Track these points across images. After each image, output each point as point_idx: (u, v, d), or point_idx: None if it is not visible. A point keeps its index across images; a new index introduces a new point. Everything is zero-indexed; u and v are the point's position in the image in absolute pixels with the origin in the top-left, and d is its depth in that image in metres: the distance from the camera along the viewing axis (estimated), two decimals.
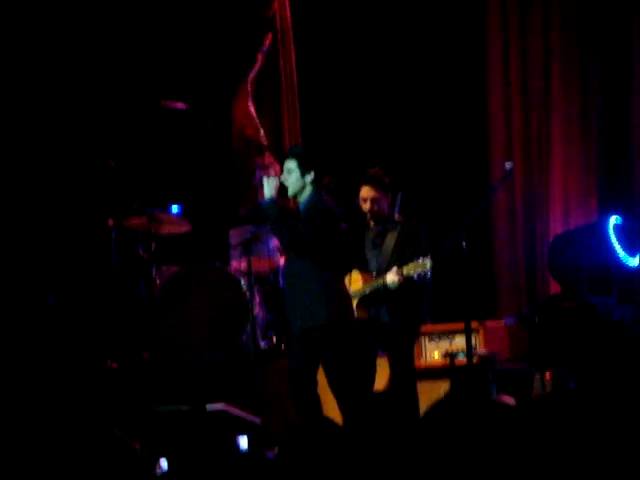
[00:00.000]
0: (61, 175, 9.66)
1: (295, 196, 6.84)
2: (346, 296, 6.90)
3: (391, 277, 7.12)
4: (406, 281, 7.11)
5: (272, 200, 6.76)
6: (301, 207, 6.81)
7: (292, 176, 6.79)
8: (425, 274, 7.04)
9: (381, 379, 7.44)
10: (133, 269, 9.01)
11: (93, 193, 9.49)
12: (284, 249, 6.81)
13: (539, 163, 10.22)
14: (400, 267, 7.12)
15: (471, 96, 10.38)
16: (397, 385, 7.24)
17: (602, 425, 2.88)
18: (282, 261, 8.19)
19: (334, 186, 7.12)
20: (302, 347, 6.80)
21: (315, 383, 6.87)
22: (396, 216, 7.55)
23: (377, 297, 7.20)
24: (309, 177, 6.76)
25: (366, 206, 7.35)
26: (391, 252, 7.32)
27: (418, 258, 7.08)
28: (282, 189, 6.80)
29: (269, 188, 6.78)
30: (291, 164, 6.80)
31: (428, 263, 7.01)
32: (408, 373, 7.34)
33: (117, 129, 9.78)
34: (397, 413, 3.91)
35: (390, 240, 7.37)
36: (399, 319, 7.27)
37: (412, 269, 7.09)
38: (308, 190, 6.79)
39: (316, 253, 6.72)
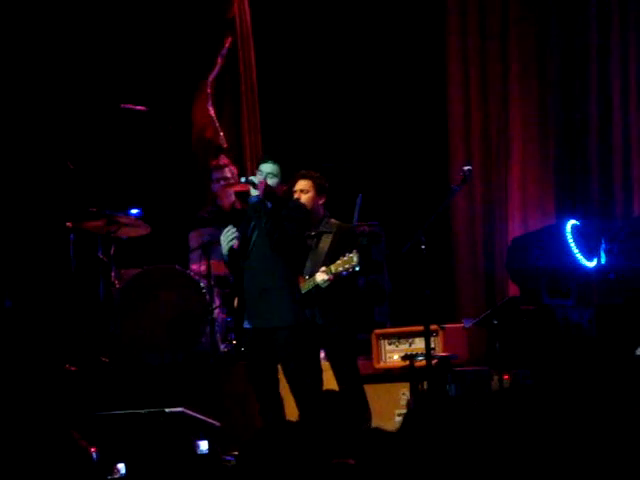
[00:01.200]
0: (18, 177, 9.58)
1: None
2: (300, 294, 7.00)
3: (321, 276, 7.19)
4: (336, 279, 7.16)
5: (259, 199, 6.83)
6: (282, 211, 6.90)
7: (272, 181, 6.87)
8: (353, 268, 7.09)
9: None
10: (92, 272, 8.96)
11: (51, 195, 9.43)
12: (272, 246, 6.81)
13: (498, 166, 10.27)
14: (328, 266, 7.16)
15: (431, 99, 10.42)
16: (343, 386, 7.30)
17: (558, 421, 2.90)
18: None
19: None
20: (262, 344, 6.84)
21: (277, 381, 6.90)
22: (332, 220, 7.61)
23: (310, 299, 7.23)
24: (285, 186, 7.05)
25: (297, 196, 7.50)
26: (325, 255, 7.38)
27: (344, 255, 7.14)
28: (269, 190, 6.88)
29: (255, 190, 6.84)
30: (274, 169, 6.88)
31: (355, 257, 7.08)
32: (351, 373, 7.41)
33: (76, 131, 9.72)
34: (348, 413, 3.93)
35: (324, 243, 7.46)
36: (333, 320, 7.35)
37: (340, 266, 7.16)
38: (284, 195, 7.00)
39: (293, 252, 6.82)
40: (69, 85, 9.83)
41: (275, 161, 6.93)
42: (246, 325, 6.95)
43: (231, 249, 6.93)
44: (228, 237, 6.91)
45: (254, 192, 6.90)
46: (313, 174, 7.60)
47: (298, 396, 6.85)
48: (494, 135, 10.30)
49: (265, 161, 6.98)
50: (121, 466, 6.17)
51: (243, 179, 7.13)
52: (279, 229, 6.77)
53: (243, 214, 7.24)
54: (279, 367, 6.98)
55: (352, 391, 7.36)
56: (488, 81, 10.31)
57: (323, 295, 7.25)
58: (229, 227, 6.98)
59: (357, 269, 7.12)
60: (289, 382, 6.90)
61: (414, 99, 10.41)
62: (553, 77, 10.10)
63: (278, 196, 6.91)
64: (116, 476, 6.17)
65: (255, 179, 6.91)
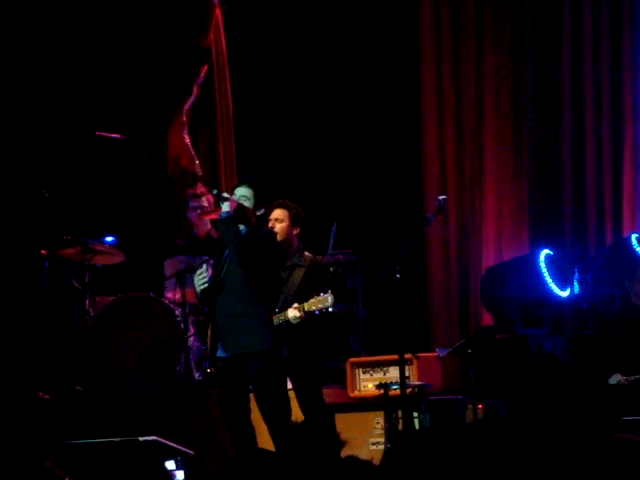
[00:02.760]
0: None
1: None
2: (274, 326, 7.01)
3: (292, 313, 7.21)
4: (308, 317, 7.18)
5: (229, 216, 6.84)
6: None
7: (246, 204, 6.90)
8: (327, 309, 7.12)
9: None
10: (66, 300, 8.93)
11: (26, 223, 9.41)
12: (239, 263, 6.81)
13: (472, 196, 10.33)
14: (301, 303, 7.18)
15: (406, 130, 10.48)
16: (308, 416, 7.29)
17: (531, 450, 2.92)
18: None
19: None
20: (234, 373, 6.84)
21: (248, 410, 6.90)
22: (306, 253, 7.61)
23: (279, 332, 7.21)
24: (259, 212, 6.97)
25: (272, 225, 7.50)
26: (296, 289, 7.38)
27: (319, 294, 7.16)
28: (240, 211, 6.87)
29: (227, 205, 6.85)
30: (247, 192, 6.91)
31: (329, 298, 7.13)
32: (316, 403, 7.42)
33: (51, 159, 9.72)
34: (318, 442, 3.94)
35: (296, 277, 7.46)
36: (299, 353, 7.35)
37: (314, 305, 7.18)
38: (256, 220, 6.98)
39: (260, 274, 6.81)
40: (44, 113, 9.82)
41: (250, 185, 6.96)
42: (219, 353, 6.95)
43: (204, 290, 6.95)
44: (200, 279, 6.94)
45: (225, 207, 6.89)
46: (289, 204, 7.61)
47: (271, 424, 6.84)
48: (468, 164, 10.36)
49: (240, 185, 7.00)
50: None
51: (215, 191, 7.13)
52: (245, 246, 6.76)
53: (219, 243, 7.25)
54: (250, 396, 6.98)
55: (318, 420, 7.35)
56: (462, 111, 10.38)
57: (292, 330, 7.26)
58: (201, 270, 7.00)
59: (330, 310, 7.14)
60: (261, 409, 6.89)
61: (389, 129, 10.47)
62: (527, 108, 10.19)
63: (247, 217, 6.91)
64: None
65: (226, 194, 6.92)
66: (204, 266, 7.08)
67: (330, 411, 8.00)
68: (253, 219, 6.95)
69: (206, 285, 6.92)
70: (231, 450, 7.28)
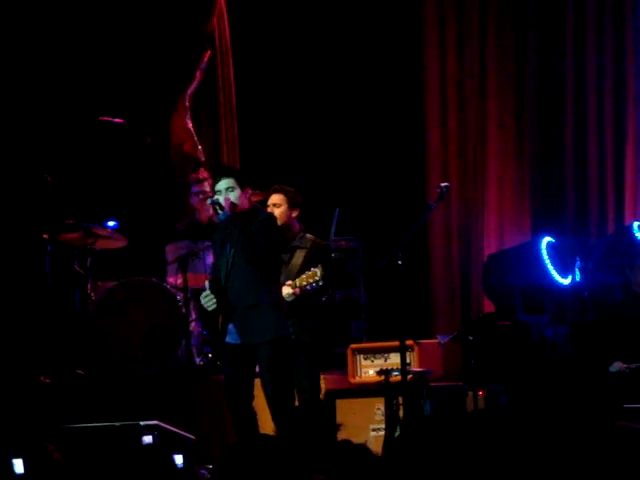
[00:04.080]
0: None
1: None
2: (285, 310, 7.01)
3: (285, 290, 7.22)
4: (303, 294, 7.20)
5: (228, 217, 6.85)
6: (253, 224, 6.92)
7: (233, 194, 6.87)
8: (317, 283, 7.12)
9: None
10: (68, 284, 8.94)
11: (29, 207, 9.41)
12: (247, 261, 6.83)
13: (474, 183, 10.33)
14: (293, 280, 7.20)
15: (409, 116, 10.47)
16: (306, 402, 7.31)
17: (532, 439, 2.93)
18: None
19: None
20: (242, 359, 6.87)
21: (252, 396, 6.93)
22: (307, 235, 7.63)
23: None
24: (249, 192, 7.00)
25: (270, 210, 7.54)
26: (297, 271, 7.40)
27: (309, 269, 7.19)
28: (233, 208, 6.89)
29: (219, 207, 6.86)
30: (230, 182, 6.91)
31: (318, 272, 7.14)
32: (313, 385, 7.45)
33: (54, 143, 9.71)
34: (318, 426, 3.95)
35: (297, 258, 7.49)
36: (305, 331, 7.39)
37: (304, 280, 7.20)
38: (251, 205, 6.99)
39: (270, 265, 6.85)
40: (47, 97, 9.82)
41: (228, 174, 7.00)
42: (229, 340, 6.96)
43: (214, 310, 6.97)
44: (208, 301, 6.94)
45: (219, 211, 6.91)
46: (285, 188, 7.64)
47: (275, 410, 6.86)
48: (471, 152, 10.36)
49: (219, 179, 7.01)
50: None
51: (209, 201, 7.15)
52: (252, 243, 6.79)
53: (217, 236, 7.27)
54: (255, 383, 7.00)
55: (317, 405, 7.38)
56: (465, 98, 10.38)
57: (291, 310, 7.27)
58: (206, 292, 6.97)
59: (321, 284, 7.15)
60: (266, 393, 6.92)
61: (392, 115, 10.46)
62: (530, 96, 10.18)
63: (245, 211, 6.93)
64: None
65: (220, 199, 6.92)
66: (207, 288, 7.05)
67: (329, 397, 8.04)
68: (247, 204, 6.94)
69: (215, 306, 6.93)
70: (232, 435, 7.30)
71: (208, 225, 9.26)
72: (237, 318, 6.92)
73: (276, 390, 6.87)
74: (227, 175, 7.00)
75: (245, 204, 6.95)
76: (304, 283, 7.22)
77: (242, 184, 6.95)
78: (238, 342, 6.92)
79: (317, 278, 7.15)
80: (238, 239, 6.83)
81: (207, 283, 7.12)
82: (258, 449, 3.27)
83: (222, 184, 6.93)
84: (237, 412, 6.97)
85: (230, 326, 6.96)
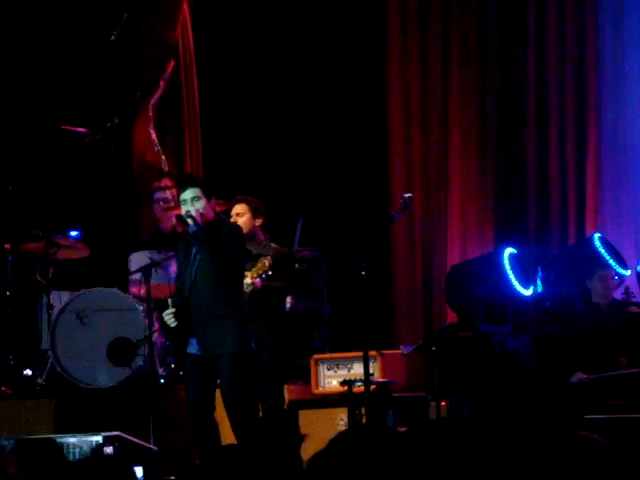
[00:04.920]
0: None
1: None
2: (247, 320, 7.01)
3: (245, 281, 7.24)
4: (261, 288, 7.25)
5: (199, 228, 6.84)
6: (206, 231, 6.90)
7: (200, 204, 6.86)
8: (266, 273, 7.15)
9: None
10: (30, 294, 8.88)
11: None
12: (218, 271, 6.82)
13: (437, 194, 10.38)
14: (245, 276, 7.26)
15: (372, 127, 10.51)
16: (269, 413, 7.31)
17: (493, 449, 2.95)
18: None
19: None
20: (203, 370, 6.84)
21: (213, 407, 6.91)
22: (272, 244, 7.68)
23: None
24: (214, 202, 6.99)
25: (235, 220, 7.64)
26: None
27: (257, 261, 7.24)
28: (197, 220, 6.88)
29: (191, 220, 6.84)
30: (196, 192, 6.89)
31: (267, 262, 7.20)
32: (276, 394, 7.48)
33: (15, 152, 9.66)
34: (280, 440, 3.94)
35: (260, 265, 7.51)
36: (263, 334, 7.42)
37: (255, 272, 7.23)
38: (216, 215, 6.98)
39: (233, 273, 6.84)
40: (9, 106, 9.76)
41: (193, 184, 6.99)
42: (191, 350, 6.94)
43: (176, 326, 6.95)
44: (169, 320, 6.91)
45: (191, 223, 6.89)
46: (248, 198, 7.72)
47: (235, 422, 6.84)
48: (434, 163, 10.41)
49: (183, 189, 6.98)
50: None
51: (183, 215, 7.12)
52: (222, 253, 6.79)
53: (183, 237, 7.25)
54: (216, 394, 6.99)
55: (280, 416, 7.37)
56: (428, 108, 10.42)
57: (255, 309, 7.28)
58: (169, 311, 6.94)
59: (270, 273, 7.17)
60: (226, 406, 6.90)
61: (355, 126, 10.49)
62: (492, 108, 10.25)
63: (211, 221, 6.91)
64: None
65: (192, 211, 6.89)
66: (170, 304, 7.03)
67: (292, 407, 8.03)
68: (212, 214, 6.94)
69: (176, 323, 6.90)
70: (194, 446, 7.27)
71: (171, 235, 9.23)
72: (199, 329, 6.90)
73: (236, 402, 6.84)
74: (192, 185, 6.97)
75: (210, 214, 6.94)
76: (255, 275, 7.24)
77: (207, 194, 6.94)
78: (200, 353, 6.90)
79: (265, 268, 7.18)
80: (209, 250, 6.80)
81: (170, 300, 7.08)
82: (220, 461, 3.26)
83: (187, 193, 6.91)
84: (198, 423, 6.93)
85: (192, 337, 6.94)
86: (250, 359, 6.90)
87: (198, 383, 6.90)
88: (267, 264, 7.20)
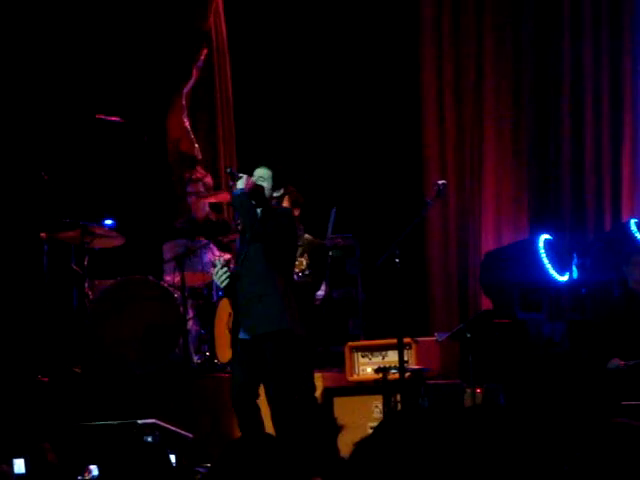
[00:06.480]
0: None
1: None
2: (296, 305, 6.94)
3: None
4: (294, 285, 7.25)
5: (243, 192, 6.79)
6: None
7: (264, 185, 6.86)
8: (302, 272, 7.11)
9: None
10: (65, 283, 8.93)
11: (25, 206, 9.41)
12: (252, 239, 6.80)
13: (472, 181, 10.34)
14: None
15: (406, 113, 10.48)
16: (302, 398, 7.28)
17: (529, 436, 2.93)
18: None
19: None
20: (250, 354, 6.81)
21: (256, 394, 6.88)
22: (306, 235, 7.64)
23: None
24: (277, 193, 6.92)
25: None
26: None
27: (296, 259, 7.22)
28: (256, 191, 6.84)
29: (243, 183, 6.82)
30: (265, 173, 6.87)
31: (304, 261, 7.16)
32: (308, 383, 7.47)
33: (51, 141, 9.71)
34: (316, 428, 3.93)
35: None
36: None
37: None
38: (272, 202, 6.92)
39: (279, 253, 6.80)
40: (44, 95, 9.81)
41: (268, 166, 6.91)
42: (240, 335, 6.91)
43: (226, 286, 6.93)
44: (220, 277, 6.89)
45: (239, 185, 6.86)
46: (289, 189, 7.62)
47: (273, 406, 6.81)
48: (468, 149, 10.37)
49: (258, 166, 6.98)
50: (93, 467, 6.17)
51: (228, 169, 7.13)
52: (257, 224, 6.73)
53: (217, 226, 7.25)
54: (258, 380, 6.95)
55: (309, 402, 7.37)
56: (463, 95, 10.38)
57: None
58: (217, 268, 6.95)
59: (307, 273, 7.14)
60: (266, 390, 6.86)
61: (390, 113, 10.46)
62: (527, 93, 10.19)
63: (262, 196, 6.86)
64: (87, 477, 6.17)
65: (243, 177, 6.87)
66: (218, 263, 7.02)
67: (327, 394, 8.03)
68: (268, 199, 6.89)
69: (228, 281, 6.88)
70: (230, 433, 7.29)
71: (204, 223, 9.26)
72: (243, 308, 6.87)
73: (276, 387, 6.78)
74: (267, 167, 6.91)
75: (266, 198, 6.86)
76: None
77: (277, 181, 6.88)
78: (247, 337, 6.87)
79: (302, 267, 7.15)
80: (245, 216, 6.78)
81: (218, 261, 7.08)
82: (256, 449, 3.25)
83: (258, 172, 6.89)
84: (240, 408, 6.88)
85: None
86: (289, 341, 6.81)
87: (244, 368, 6.83)
88: (304, 263, 7.17)
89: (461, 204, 10.32)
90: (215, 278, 6.97)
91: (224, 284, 6.89)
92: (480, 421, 2.90)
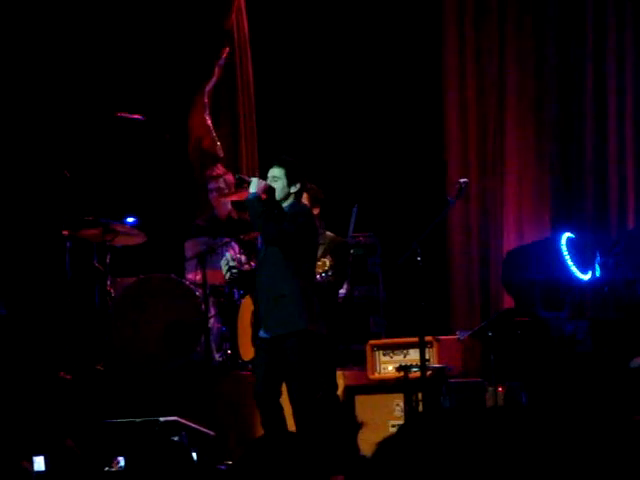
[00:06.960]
0: (15, 185, 9.60)
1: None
2: (317, 304, 6.92)
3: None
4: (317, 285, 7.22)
5: (256, 196, 6.78)
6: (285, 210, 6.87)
7: (277, 184, 6.83)
8: (326, 273, 7.09)
9: None
10: (87, 280, 8.96)
11: (48, 203, 9.44)
12: (266, 243, 6.80)
13: (493, 179, 10.31)
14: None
15: (428, 112, 10.46)
16: (323, 397, 7.27)
17: (552, 435, 2.92)
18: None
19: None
20: (271, 353, 6.82)
21: (279, 393, 6.88)
22: (327, 233, 7.61)
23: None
24: (294, 188, 6.85)
25: None
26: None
27: (319, 260, 7.19)
28: (270, 192, 6.83)
29: (255, 186, 6.81)
30: (278, 172, 6.85)
31: (327, 262, 7.11)
32: (330, 382, 7.46)
33: (73, 140, 9.74)
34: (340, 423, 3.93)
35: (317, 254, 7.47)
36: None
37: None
38: (291, 199, 6.86)
39: (297, 253, 6.77)
40: (66, 93, 9.84)
41: (280, 164, 6.89)
42: (261, 334, 6.92)
43: (231, 279, 6.94)
44: (224, 267, 6.91)
45: (251, 189, 6.85)
46: (308, 186, 7.60)
47: (295, 404, 6.81)
48: (490, 148, 10.34)
49: (272, 166, 6.96)
50: (121, 459, 6.20)
51: (237, 175, 7.13)
52: (271, 226, 6.72)
53: (239, 224, 7.25)
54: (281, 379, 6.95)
55: (331, 400, 7.36)
56: (485, 94, 10.35)
57: None
58: (225, 257, 6.96)
59: (330, 273, 7.11)
60: (288, 388, 6.86)
61: (411, 111, 10.44)
62: (550, 91, 10.15)
63: (273, 197, 6.84)
64: (114, 468, 6.20)
65: (254, 180, 6.87)
66: (225, 257, 7.03)
67: (349, 393, 8.02)
68: (284, 198, 6.87)
69: (230, 276, 6.89)
70: (251, 431, 7.29)
71: (226, 221, 9.26)
72: (264, 308, 6.87)
73: (298, 386, 6.77)
74: (278, 164, 6.89)
75: (283, 197, 6.82)
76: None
77: (292, 178, 6.86)
78: (267, 336, 6.87)
79: (326, 268, 7.13)
80: (256, 220, 6.78)
81: (226, 256, 7.09)
82: (278, 447, 3.25)
83: (270, 172, 6.88)
84: (263, 407, 6.88)
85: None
86: (308, 340, 6.79)
87: (265, 367, 6.84)
88: (328, 264, 7.15)
89: (483, 202, 10.30)
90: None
91: (227, 274, 6.89)
92: (503, 422, 2.89)
